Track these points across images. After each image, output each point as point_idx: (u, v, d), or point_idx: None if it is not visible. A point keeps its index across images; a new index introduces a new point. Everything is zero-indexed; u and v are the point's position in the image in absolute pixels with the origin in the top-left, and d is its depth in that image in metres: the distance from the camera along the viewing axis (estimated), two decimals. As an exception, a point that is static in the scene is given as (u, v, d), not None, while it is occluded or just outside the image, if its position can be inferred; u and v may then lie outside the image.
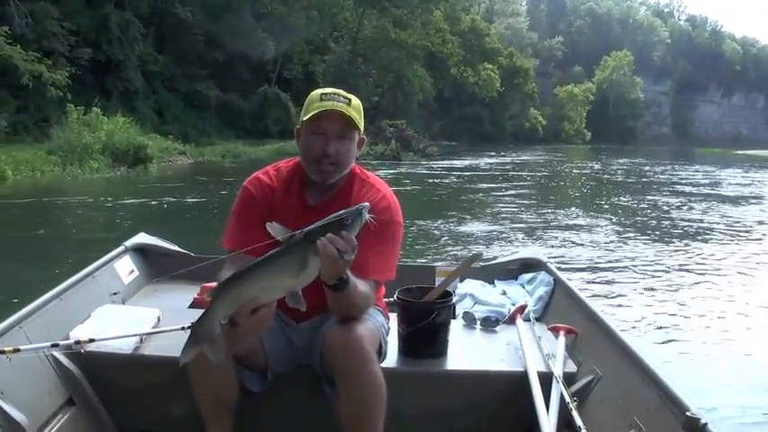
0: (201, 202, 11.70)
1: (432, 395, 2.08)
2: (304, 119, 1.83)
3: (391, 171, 19.84)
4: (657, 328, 4.80)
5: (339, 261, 1.50)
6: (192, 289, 2.67)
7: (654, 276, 6.56)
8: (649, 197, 15.16)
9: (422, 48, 43.27)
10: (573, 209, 12.36)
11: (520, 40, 70.91)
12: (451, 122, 52.91)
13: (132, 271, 2.79)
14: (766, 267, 7.50)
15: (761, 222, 11.19)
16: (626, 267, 6.92)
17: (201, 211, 10.65)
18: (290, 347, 1.94)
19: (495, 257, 3.27)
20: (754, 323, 5.15)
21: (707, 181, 20.84)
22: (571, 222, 10.28)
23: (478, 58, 53.07)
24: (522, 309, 2.53)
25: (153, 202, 11.37)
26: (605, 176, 22.76)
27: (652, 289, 6.03)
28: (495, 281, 2.95)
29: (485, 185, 17.11)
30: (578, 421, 1.74)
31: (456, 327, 2.36)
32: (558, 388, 1.93)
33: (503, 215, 10.87)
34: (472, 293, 2.73)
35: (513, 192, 15.31)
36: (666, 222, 10.83)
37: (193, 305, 2.57)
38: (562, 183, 20.64)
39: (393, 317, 2.17)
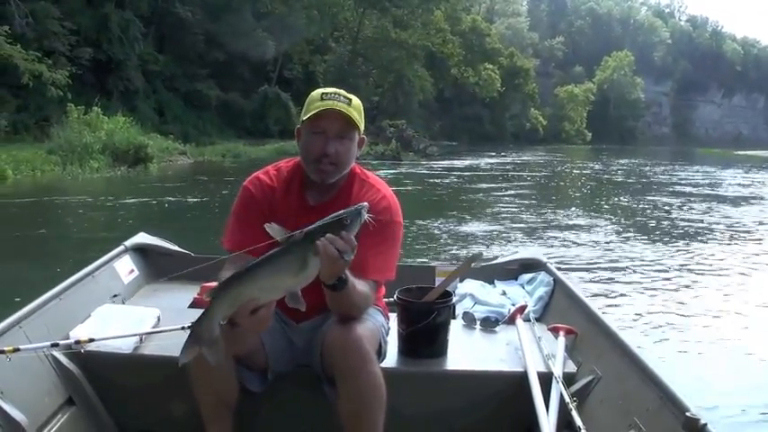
0: (202, 202, 11.69)
1: (431, 395, 2.08)
2: (304, 118, 1.83)
3: (391, 171, 19.82)
4: (657, 328, 4.80)
5: (339, 261, 1.50)
6: (191, 289, 2.66)
7: (654, 276, 6.55)
8: (649, 197, 15.15)
9: (422, 48, 43.29)
10: (573, 209, 12.36)
11: (520, 41, 70.90)
12: (452, 122, 52.91)
13: (132, 271, 2.79)
14: (766, 267, 7.50)
15: (761, 223, 11.17)
16: (626, 267, 6.92)
17: (202, 211, 10.65)
18: (289, 347, 1.94)
19: (494, 257, 3.26)
20: (753, 323, 5.14)
21: (707, 181, 20.81)
22: (571, 222, 10.28)
23: (479, 58, 53.11)
24: (521, 309, 2.53)
25: (153, 202, 11.37)
26: (605, 177, 22.74)
27: (652, 289, 6.02)
28: (495, 281, 2.95)
29: (485, 185, 17.10)
30: (578, 421, 1.74)
31: (456, 327, 2.36)
32: (557, 388, 1.92)
33: (503, 215, 10.87)
34: (472, 293, 2.73)
35: (513, 192, 15.30)
36: (666, 223, 10.83)
37: (193, 305, 2.57)
38: (562, 183, 20.62)
39: (393, 317, 2.16)
